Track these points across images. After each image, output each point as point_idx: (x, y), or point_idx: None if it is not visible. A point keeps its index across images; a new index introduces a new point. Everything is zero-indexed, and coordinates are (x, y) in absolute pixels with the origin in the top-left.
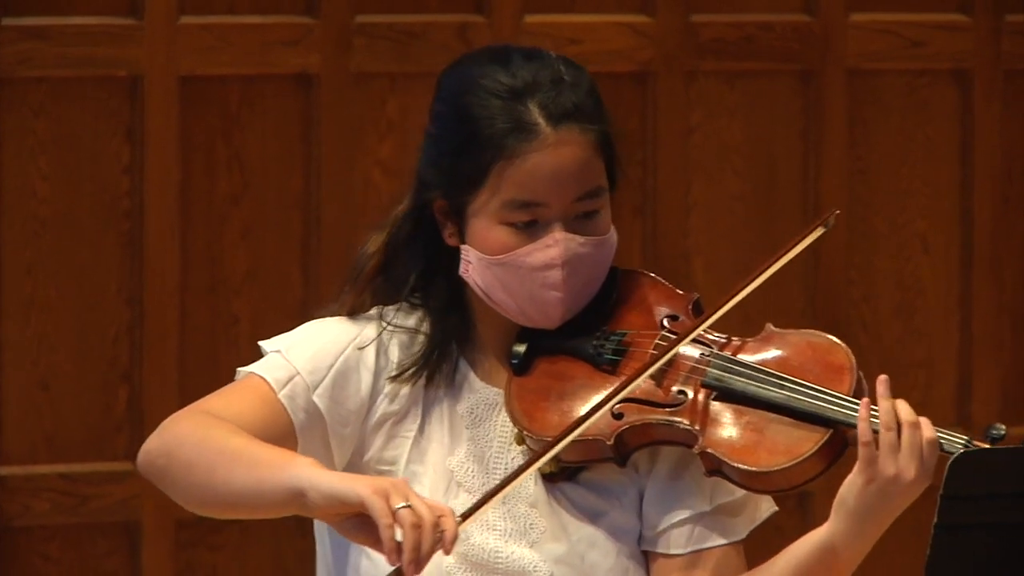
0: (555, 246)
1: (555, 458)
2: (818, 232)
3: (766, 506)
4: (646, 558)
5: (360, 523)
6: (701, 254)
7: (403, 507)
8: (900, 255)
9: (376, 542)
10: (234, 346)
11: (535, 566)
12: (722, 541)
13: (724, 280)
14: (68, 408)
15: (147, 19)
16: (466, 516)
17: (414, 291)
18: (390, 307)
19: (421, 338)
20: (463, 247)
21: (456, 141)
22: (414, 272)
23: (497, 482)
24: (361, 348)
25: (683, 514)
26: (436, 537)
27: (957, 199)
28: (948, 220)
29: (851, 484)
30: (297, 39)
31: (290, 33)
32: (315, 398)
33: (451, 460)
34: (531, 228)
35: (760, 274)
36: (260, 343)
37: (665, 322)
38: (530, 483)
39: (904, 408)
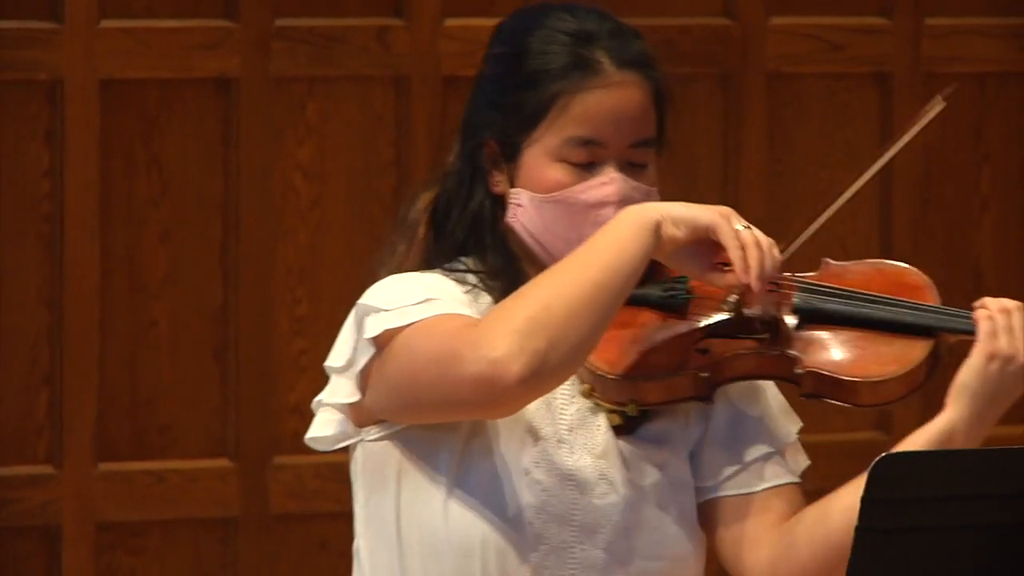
0: (611, 184)
1: (635, 402)
2: (938, 109)
3: (802, 458)
4: (707, 508)
5: (695, 251)
6: None
7: (744, 228)
8: (819, 258)
9: (709, 268)
10: (154, 349)
11: (608, 517)
12: (792, 479)
13: None
14: None
15: (67, 23)
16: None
17: (466, 250)
18: (448, 267)
19: (482, 293)
20: (513, 191)
21: (519, 76)
22: (467, 226)
23: (567, 420)
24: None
25: (755, 453)
26: (773, 257)
27: (876, 203)
28: (867, 224)
29: (971, 367)
30: (216, 43)
31: (209, 37)
32: None
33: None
34: (587, 169)
35: (877, 162)
36: (369, 303)
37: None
38: (598, 435)
39: (1006, 299)
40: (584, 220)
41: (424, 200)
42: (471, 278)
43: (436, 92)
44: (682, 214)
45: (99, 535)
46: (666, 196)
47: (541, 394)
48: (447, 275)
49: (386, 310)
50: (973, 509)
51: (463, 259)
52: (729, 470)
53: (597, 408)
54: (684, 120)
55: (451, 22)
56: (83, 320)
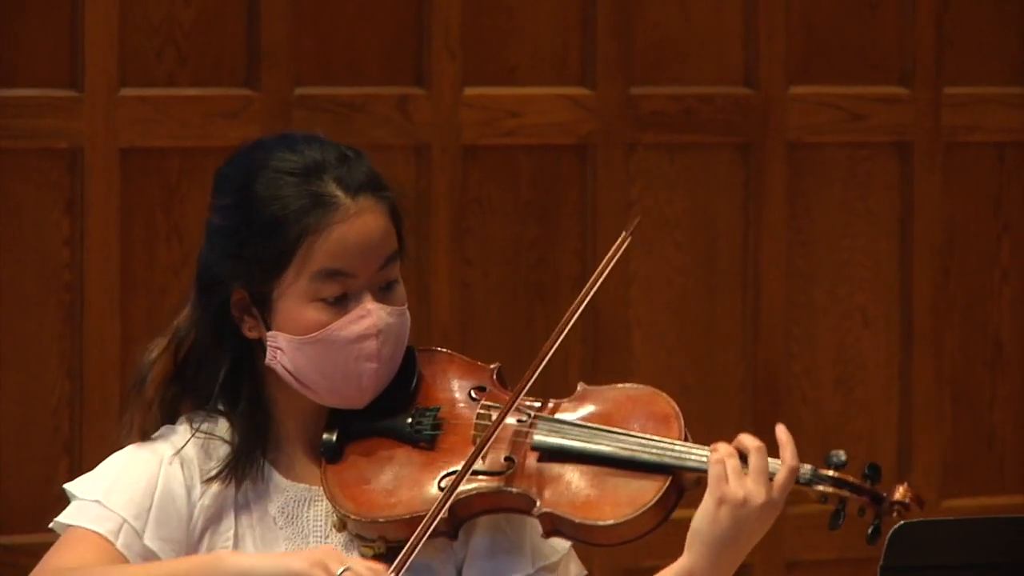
0: (368, 316)
1: (383, 539)
2: (626, 242)
3: (575, 568)
4: None
5: None
6: (641, 326)
7: (344, 571)
8: (840, 328)
9: None
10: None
11: None
12: None
13: (663, 352)
14: (9, 479)
15: (88, 91)
16: (395, 573)
17: (219, 398)
18: (197, 414)
19: (221, 444)
20: (269, 334)
21: (255, 226)
22: (219, 377)
23: None
24: (170, 464)
25: (517, 573)
26: None
27: (897, 271)
28: (888, 292)
29: (703, 512)
30: (237, 111)
31: (230, 105)
32: (147, 542)
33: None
34: (341, 303)
35: (576, 309)
36: (68, 488)
37: (473, 393)
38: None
39: (748, 437)
40: (347, 356)
41: (160, 356)
42: (219, 426)
43: (457, 161)
44: (266, 570)
45: None
46: (688, 265)
47: None
48: (161, 441)
49: (75, 498)
50: None
51: (219, 404)
52: None
53: (351, 542)
54: (704, 190)
55: (471, 91)
56: (104, 389)
